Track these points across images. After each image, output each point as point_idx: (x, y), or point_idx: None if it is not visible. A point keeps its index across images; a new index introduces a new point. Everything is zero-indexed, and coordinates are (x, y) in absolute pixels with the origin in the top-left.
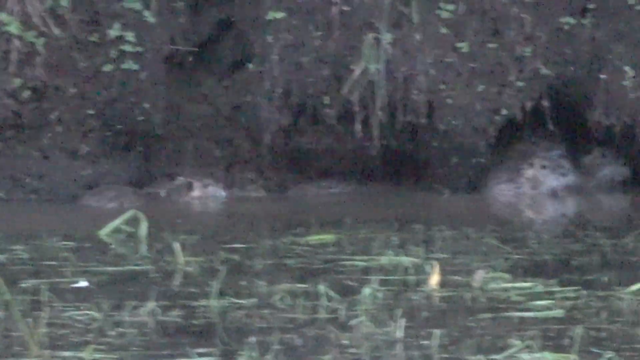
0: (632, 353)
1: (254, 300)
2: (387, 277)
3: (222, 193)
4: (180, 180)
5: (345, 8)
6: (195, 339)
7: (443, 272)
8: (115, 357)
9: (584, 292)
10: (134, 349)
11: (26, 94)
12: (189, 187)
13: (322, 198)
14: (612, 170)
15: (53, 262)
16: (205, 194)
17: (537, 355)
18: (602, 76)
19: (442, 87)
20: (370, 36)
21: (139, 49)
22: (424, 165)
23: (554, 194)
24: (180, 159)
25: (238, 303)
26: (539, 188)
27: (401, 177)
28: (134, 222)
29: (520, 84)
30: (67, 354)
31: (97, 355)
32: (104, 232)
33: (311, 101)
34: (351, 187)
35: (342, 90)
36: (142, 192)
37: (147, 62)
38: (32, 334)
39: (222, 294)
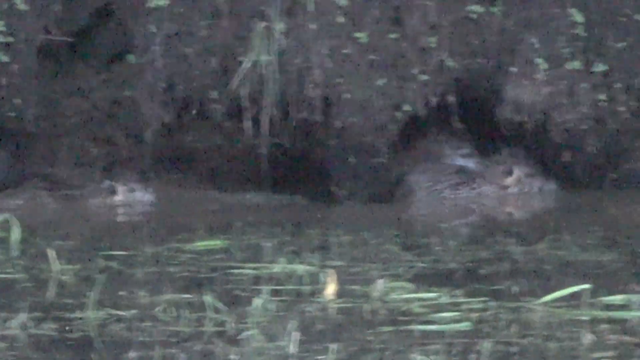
0: None
1: (134, 312)
2: (279, 287)
3: (150, 197)
4: (107, 183)
5: None
6: (70, 354)
7: (340, 282)
8: None
9: (493, 303)
10: None
11: None
12: (112, 190)
13: (209, 201)
14: (519, 168)
15: None
16: (130, 198)
17: None
18: (512, 69)
19: (339, 80)
20: (261, 25)
21: (10, 39)
22: (320, 165)
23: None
24: (54, 159)
25: (117, 315)
26: (444, 187)
27: (295, 178)
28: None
29: (423, 77)
30: None
31: None
32: None
33: (197, 96)
34: (242, 188)
35: (230, 84)
36: (58, 195)
37: (18, 53)
38: None
39: (99, 305)
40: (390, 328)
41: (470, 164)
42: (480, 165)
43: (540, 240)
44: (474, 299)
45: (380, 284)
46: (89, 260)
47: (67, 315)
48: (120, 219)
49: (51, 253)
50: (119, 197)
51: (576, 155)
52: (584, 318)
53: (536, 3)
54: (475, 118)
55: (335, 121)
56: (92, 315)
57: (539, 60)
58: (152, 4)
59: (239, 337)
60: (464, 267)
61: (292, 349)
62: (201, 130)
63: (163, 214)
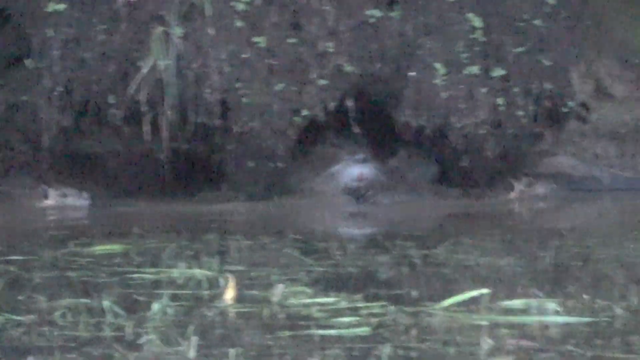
0: None
1: (32, 317)
2: (178, 291)
3: (85, 202)
4: (41, 188)
5: None
6: None
7: (239, 286)
8: None
9: (392, 307)
10: None
11: None
12: (45, 194)
13: (108, 206)
14: (421, 172)
15: None
16: (63, 203)
17: None
18: (411, 74)
19: (238, 85)
20: (159, 30)
21: None
22: (219, 169)
23: (356, 198)
24: None
25: (15, 320)
26: (344, 192)
27: (194, 183)
28: None
29: (322, 82)
30: None
31: None
32: None
33: (95, 100)
34: (141, 192)
35: (129, 89)
36: None
37: None
38: None
39: None
40: (289, 333)
41: (368, 168)
42: (379, 170)
43: (439, 244)
44: (373, 304)
45: (279, 289)
46: None
47: None
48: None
49: None
50: (50, 202)
51: (475, 159)
52: (483, 322)
53: (435, 8)
54: (374, 123)
55: (234, 126)
56: None
57: (438, 65)
58: (49, 9)
59: (137, 342)
60: (363, 272)
61: (191, 354)
62: (100, 135)
63: (58, 218)
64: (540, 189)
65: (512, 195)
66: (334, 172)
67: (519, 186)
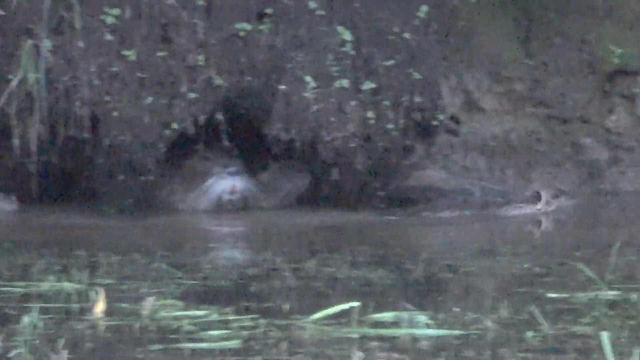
0: None
1: None
2: (48, 305)
3: (13, 206)
4: None
5: (0, 12)
6: None
7: (109, 299)
8: None
9: (263, 320)
10: None
11: None
12: None
13: None
14: (292, 185)
15: None
16: None
17: None
18: (281, 87)
19: (107, 98)
20: (28, 43)
21: None
22: (89, 183)
23: (228, 211)
24: None
25: None
26: (216, 205)
27: (65, 196)
28: None
29: (192, 95)
30: None
31: None
32: None
33: None
34: (12, 206)
35: None
36: None
37: None
38: None
39: None
40: (160, 346)
41: (240, 181)
42: (250, 183)
43: (309, 257)
44: (243, 317)
45: (149, 302)
46: None
47: None
48: None
49: None
50: None
51: (345, 173)
52: (353, 335)
53: (304, 21)
54: (245, 136)
55: (104, 139)
56: None
57: (308, 78)
58: None
59: (7, 356)
60: (233, 285)
61: None
62: None
63: None
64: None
65: (539, 205)
66: (206, 185)
67: (545, 196)
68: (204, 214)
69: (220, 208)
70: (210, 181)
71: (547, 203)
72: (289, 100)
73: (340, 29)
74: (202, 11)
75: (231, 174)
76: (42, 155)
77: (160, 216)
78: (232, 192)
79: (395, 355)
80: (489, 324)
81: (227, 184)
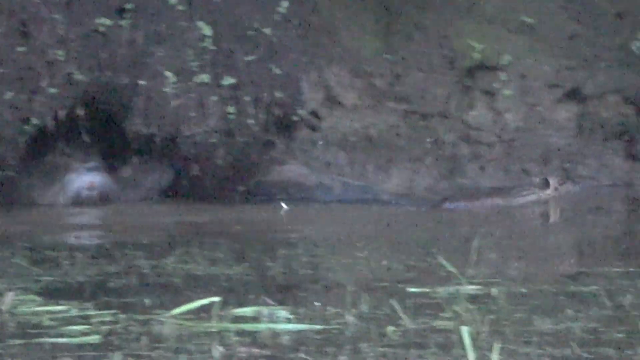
0: None
1: None
2: None
3: None
4: None
5: None
6: None
7: None
8: None
9: (123, 316)
10: None
11: None
12: None
13: None
14: (152, 181)
15: None
16: None
17: None
18: (141, 82)
19: None
20: None
21: None
22: None
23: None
24: None
25: None
26: (75, 201)
27: None
28: None
29: (52, 90)
30: None
31: None
32: None
33: None
34: None
35: None
36: None
37: None
38: None
39: None
40: (20, 341)
41: (99, 177)
42: (109, 179)
43: (169, 253)
44: (103, 312)
45: (9, 297)
46: None
47: None
48: None
49: None
50: None
51: (206, 168)
52: (213, 330)
53: (164, 16)
54: (105, 131)
55: None
56: None
57: (168, 74)
58: None
59: None
60: (93, 281)
61: None
62: None
63: None
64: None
65: (548, 192)
66: (66, 180)
67: (553, 183)
68: (64, 209)
69: (80, 203)
70: (69, 177)
71: (555, 189)
72: (149, 95)
73: (200, 24)
74: (61, 6)
75: (89, 169)
76: None
77: (20, 210)
78: (90, 188)
79: (256, 350)
80: (350, 318)
81: (85, 179)
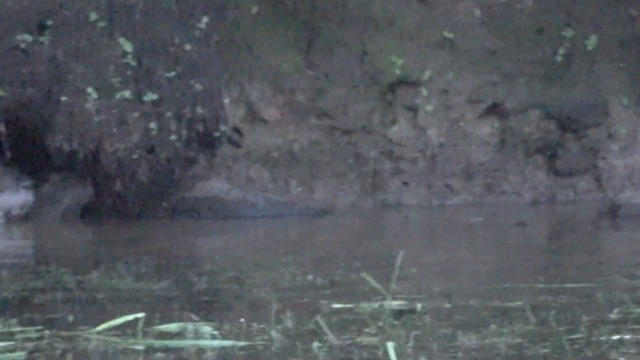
0: None
1: None
2: None
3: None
4: None
5: None
6: None
7: None
8: None
9: (48, 332)
10: None
11: None
12: None
13: None
14: (73, 197)
15: None
16: None
17: None
18: (63, 98)
19: None
20: None
21: None
22: None
23: (12, 224)
24: None
25: None
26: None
27: None
28: None
29: None
30: None
31: None
32: None
33: None
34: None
35: None
36: None
37: None
38: None
39: None
40: None
41: (30, 194)
42: (33, 195)
43: (93, 269)
44: (28, 328)
45: None
46: None
47: None
48: None
49: None
50: None
51: (128, 184)
52: (139, 347)
53: (85, 33)
54: (26, 148)
55: None
56: None
57: (90, 90)
58: None
59: None
60: (17, 297)
61: None
62: None
63: None
64: None
65: None
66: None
67: None
68: None
69: (7, 221)
70: (2, 195)
71: None
72: (71, 111)
73: (121, 40)
74: None
75: (26, 188)
76: None
77: None
78: (23, 207)
79: None
80: (275, 334)
81: (20, 197)
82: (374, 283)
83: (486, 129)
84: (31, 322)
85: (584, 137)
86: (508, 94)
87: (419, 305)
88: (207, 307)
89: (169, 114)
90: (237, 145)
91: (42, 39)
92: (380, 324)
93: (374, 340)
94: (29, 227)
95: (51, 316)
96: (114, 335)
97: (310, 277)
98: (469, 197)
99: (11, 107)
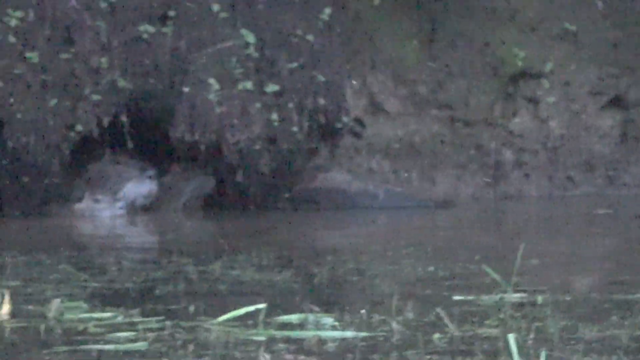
0: None
1: None
2: None
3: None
4: None
5: None
6: None
7: (14, 301)
8: None
9: (169, 322)
10: None
11: None
12: None
13: None
14: (196, 188)
15: None
16: None
17: None
18: (185, 89)
19: (11, 100)
20: None
21: None
22: None
23: (135, 214)
24: None
25: None
26: (118, 208)
27: None
28: None
29: (96, 97)
30: None
31: None
32: None
33: None
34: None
35: None
36: None
37: None
38: None
39: None
40: (66, 348)
41: (154, 185)
42: (157, 186)
43: (215, 260)
44: (149, 319)
45: (55, 304)
46: None
47: None
48: None
49: None
50: None
51: (250, 175)
52: (260, 338)
53: (207, 23)
54: (149, 138)
55: (8, 141)
56: None
57: (212, 81)
58: None
59: None
60: (139, 287)
61: None
62: None
63: None
64: None
65: None
66: (121, 188)
67: None
68: (109, 215)
69: (131, 211)
70: (127, 184)
71: None
72: (193, 102)
73: (243, 31)
74: (105, 13)
75: (150, 178)
76: None
77: (65, 217)
78: (147, 197)
79: (302, 357)
80: (396, 326)
81: (144, 188)
82: (494, 275)
83: (608, 121)
84: (153, 313)
85: None
86: (630, 87)
87: (539, 298)
88: (328, 298)
89: (290, 105)
90: (358, 136)
91: (164, 29)
92: (501, 315)
93: (494, 332)
94: (151, 217)
95: (172, 307)
96: (235, 326)
97: (431, 269)
98: (590, 188)
99: (133, 98)
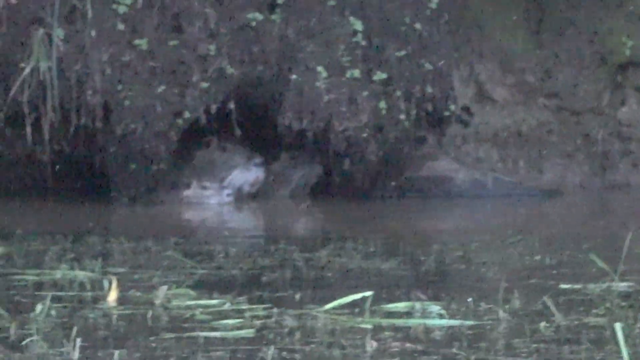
0: None
1: None
2: (61, 293)
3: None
4: None
5: (12, 1)
6: None
7: (122, 288)
8: None
9: (276, 310)
10: None
11: None
12: None
13: None
14: (303, 175)
15: None
16: None
17: None
18: (293, 77)
19: (119, 87)
20: (40, 32)
21: None
22: (101, 171)
23: (242, 201)
24: None
25: None
26: (226, 195)
27: (77, 185)
28: None
29: (204, 84)
30: None
31: None
32: None
33: None
34: (24, 194)
35: (10, 91)
36: None
37: None
38: None
39: None
40: (173, 335)
41: (261, 172)
42: (264, 173)
43: (322, 247)
44: (256, 306)
45: (162, 291)
46: None
47: None
48: None
49: None
50: None
51: (357, 163)
52: (366, 325)
53: (316, 11)
54: (256, 125)
55: (116, 127)
56: None
57: (319, 68)
58: None
59: (21, 344)
60: (246, 274)
61: (75, 355)
62: None
63: None
64: None
65: None
66: (228, 175)
67: None
68: (217, 202)
69: (238, 198)
70: (234, 172)
71: None
72: (301, 90)
73: (351, 19)
74: (213, 1)
75: (257, 165)
76: (55, 143)
77: (172, 204)
78: (253, 184)
79: (409, 345)
80: (502, 314)
81: (251, 175)
82: (601, 264)
83: None
84: (260, 300)
85: None
86: None
87: None
88: (434, 286)
89: (398, 93)
90: (466, 124)
91: (272, 17)
92: (608, 305)
93: (601, 321)
94: (259, 204)
95: (279, 294)
96: (342, 314)
97: (538, 257)
98: None
99: (241, 85)
